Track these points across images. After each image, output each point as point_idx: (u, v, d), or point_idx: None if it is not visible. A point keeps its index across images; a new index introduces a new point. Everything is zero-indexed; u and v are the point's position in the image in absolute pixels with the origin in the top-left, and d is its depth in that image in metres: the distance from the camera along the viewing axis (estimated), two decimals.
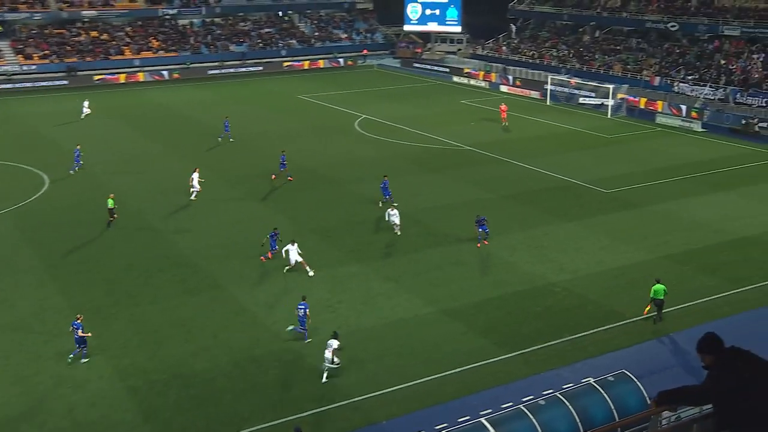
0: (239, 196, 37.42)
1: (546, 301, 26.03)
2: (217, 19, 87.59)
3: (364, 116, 57.42)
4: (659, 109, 57.88)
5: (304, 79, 77.71)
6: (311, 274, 27.76)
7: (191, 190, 36.30)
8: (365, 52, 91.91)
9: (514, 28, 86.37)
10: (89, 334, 22.37)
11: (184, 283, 27.30)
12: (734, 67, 59.84)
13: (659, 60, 66.37)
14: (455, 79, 77.09)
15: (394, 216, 31.75)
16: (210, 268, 28.56)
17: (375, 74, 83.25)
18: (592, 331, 23.82)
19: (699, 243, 31.08)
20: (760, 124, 51.68)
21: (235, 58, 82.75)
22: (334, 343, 21.32)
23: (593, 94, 61.31)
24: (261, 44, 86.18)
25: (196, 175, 36.51)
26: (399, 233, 31.67)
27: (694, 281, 27.36)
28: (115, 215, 32.96)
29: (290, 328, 23.47)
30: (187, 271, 28.27)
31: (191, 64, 79.39)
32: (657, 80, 62.74)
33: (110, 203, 32.82)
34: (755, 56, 59.92)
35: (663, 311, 24.39)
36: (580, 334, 23.62)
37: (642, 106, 59.30)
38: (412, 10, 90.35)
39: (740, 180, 40.11)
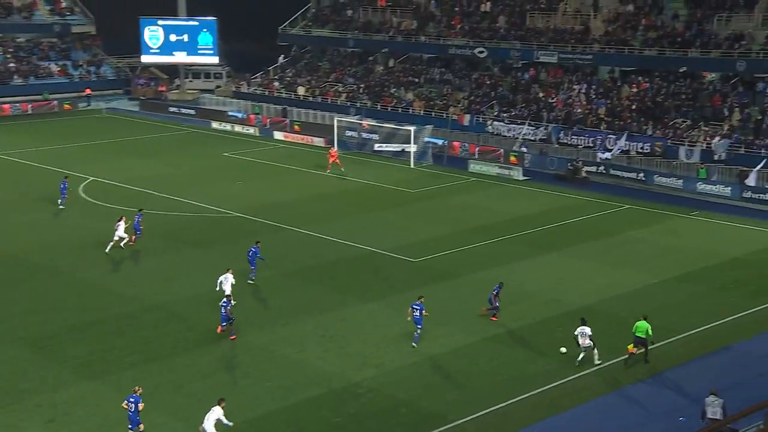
0: None
1: (347, 407, 26.44)
2: None
3: (92, 179, 55.98)
4: (473, 155, 62.34)
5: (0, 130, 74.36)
6: None
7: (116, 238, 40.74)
8: (88, 91, 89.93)
9: (285, 58, 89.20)
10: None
11: None
12: (554, 100, 66.29)
13: (468, 94, 71.78)
14: (215, 125, 77.80)
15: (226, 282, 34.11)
16: None
17: (104, 121, 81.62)
18: None
19: (529, 318, 33.41)
20: (588, 168, 57.41)
21: None
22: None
23: (390, 139, 64.57)
24: None
25: (121, 224, 41.04)
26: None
27: (529, 367, 29.27)
28: None
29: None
30: None
31: None
32: (467, 119, 67.67)
33: None
34: (576, 87, 66.85)
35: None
36: None
37: (454, 152, 63.45)
38: (152, 36, 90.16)
39: (571, 237, 43.90)
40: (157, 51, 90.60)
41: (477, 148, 63.30)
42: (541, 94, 67.71)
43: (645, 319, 29.47)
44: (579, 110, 64.02)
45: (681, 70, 62.19)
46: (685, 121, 58.91)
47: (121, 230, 40.89)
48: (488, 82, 72.71)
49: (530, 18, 74.23)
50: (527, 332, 31.89)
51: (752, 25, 61.58)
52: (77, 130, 75.13)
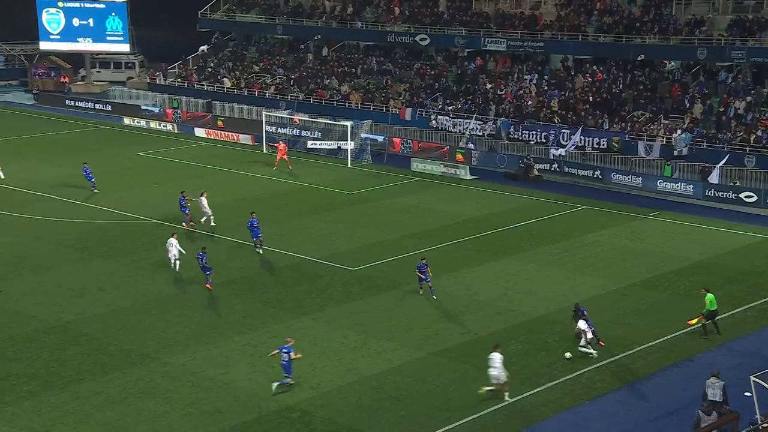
0: None
1: None
2: None
3: None
4: (417, 152, 62.59)
5: None
6: None
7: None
8: None
9: (206, 47, 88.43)
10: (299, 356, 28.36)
11: None
12: (503, 92, 66.85)
13: (409, 85, 72.01)
14: (127, 121, 76.96)
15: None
16: None
17: None
18: None
19: (481, 330, 33.56)
20: (540, 166, 57.98)
21: None
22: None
23: (323, 136, 64.56)
24: None
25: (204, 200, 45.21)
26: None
27: (479, 384, 29.35)
28: None
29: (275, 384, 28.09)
30: None
31: None
32: (409, 113, 67.89)
33: None
34: (527, 77, 67.53)
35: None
36: None
37: (395, 150, 63.61)
38: (51, 20, 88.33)
39: (524, 241, 44.27)
40: (58, 37, 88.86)
41: (420, 145, 63.54)
42: (489, 86, 68.23)
43: (709, 291, 32.54)
44: (530, 103, 64.67)
45: (639, 59, 63.22)
46: (644, 114, 59.88)
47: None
48: (431, 73, 73.06)
49: (476, 2, 74.79)
50: (478, 346, 32.00)
51: (712, 10, 62.88)
52: None
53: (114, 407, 27.74)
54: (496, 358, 28.22)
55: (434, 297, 36.38)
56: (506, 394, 28.21)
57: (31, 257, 39.98)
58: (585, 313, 31.72)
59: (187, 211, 45.89)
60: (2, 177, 54.96)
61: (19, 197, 51.93)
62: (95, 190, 52.72)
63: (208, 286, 37.39)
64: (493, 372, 28.13)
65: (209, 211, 45.84)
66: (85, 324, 34.05)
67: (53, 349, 31.79)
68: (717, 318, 32.91)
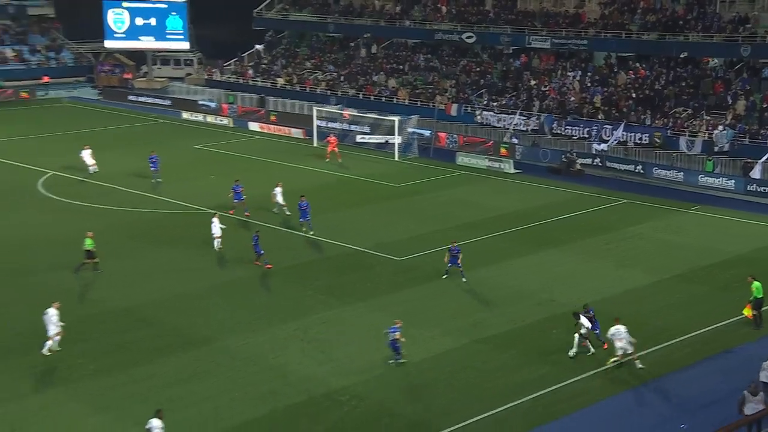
0: None
1: (330, 415, 26.46)
2: None
3: (53, 173, 55.79)
4: (462, 146, 62.52)
5: None
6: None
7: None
8: (47, 79, 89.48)
9: (261, 45, 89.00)
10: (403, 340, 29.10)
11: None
12: (547, 88, 66.47)
13: (455, 82, 71.90)
14: (185, 115, 77.69)
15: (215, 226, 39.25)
16: None
17: (65, 111, 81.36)
18: None
19: (523, 319, 33.50)
20: (582, 161, 57.61)
21: None
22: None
23: (371, 130, 64.72)
24: None
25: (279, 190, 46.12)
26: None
27: (522, 371, 29.37)
28: (95, 259, 37.59)
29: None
30: None
31: None
32: (454, 108, 67.79)
33: (88, 243, 37.64)
34: (570, 74, 67.07)
35: None
36: None
37: (440, 144, 63.60)
38: (116, 19, 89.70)
39: (567, 234, 44.04)
40: (122, 36, 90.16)
41: (465, 140, 63.46)
42: (533, 82, 67.91)
43: (756, 279, 32.46)
44: (573, 99, 64.24)
45: (682, 56, 62.49)
46: (686, 110, 59.22)
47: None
48: (477, 70, 72.87)
49: (521, 1, 74.41)
50: (520, 334, 31.99)
51: (757, 7, 61.95)
52: (35, 121, 74.84)
53: (174, 387, 28.10)
54: (622, 329, 28.91)
55: (464, 280, 36.62)
56: (637, 361, 29.11)
57: (100, 245, 40.48)
58: (592, 313, 30.62)
59: (242, 199, 46.25)
60: (96, 169, 55.14)
61: (89, 189, 52.61)
62: (159, 180, 53.26)
63: (268, 266, 38.41)
64: (619, 344, 28.86)
65: (282, 202, 46.21)
66: (148, 308, 34.50)
67: (118, 332, 32.27)
68: (762, 308, 32.48)
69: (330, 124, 67.54)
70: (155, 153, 54.13)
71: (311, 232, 43.30)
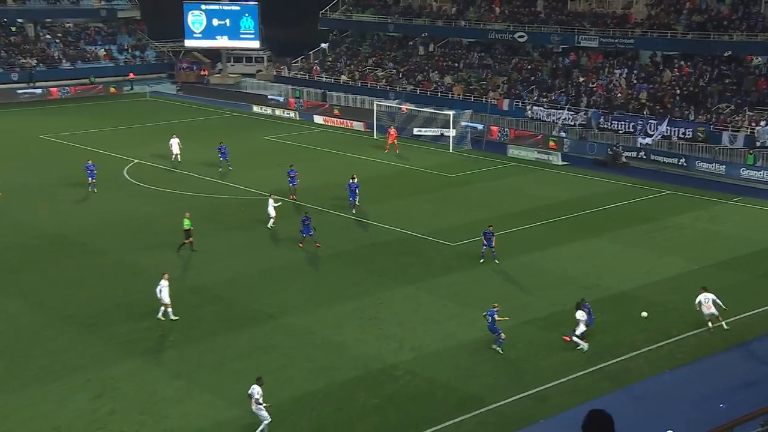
0: None
1: (385, 389, 26.54)
2: None
3: (136, 161, 56.66)
4: (513, 139, 62.02)
5: (48, 113, 76.11)
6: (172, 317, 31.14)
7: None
8: (132, 76, 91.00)
9: (326, 44, 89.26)
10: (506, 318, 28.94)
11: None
12: (595, 85, 65.55)
13: (507, 78, 71.28)
14: (255, 108, 78.19)
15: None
16: None
17: (148, 105, 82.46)
18: (444, 425, 24.55)
19: (568, 302, 33.15)
20: (628, 154, 56.75)
21: None
22: None
23: (428, 123, 64.47)
24: None
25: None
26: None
27: (567, 351, 29.09)
28: (191, 238, 38.42)
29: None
30: None
31: None
32: (506, 103, 67.23)
33: (186, 224, 38.32)
34: (617, 71, 66.04)
35: None
36: (430, 430, 24.26)
37: (492, 137, 63.19)
38: (195, 21, 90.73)
39: (611, 222, 43.50)
40: (200, 35, 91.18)
41: (515, 133, 62.95)
42: (581, 79, 67.03)
43: None
44: (620, 95, 63.27)
45: (726, 54, 61.13)
46: (729, 107, 57.92)
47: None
48: (528, 67, 72.18)
49: (571, 2, 73.46)
50: (566, 317, 31.64)
51: None
52: (121, 114, 76.04)
53: (243, 359, 28.47)
54: (710, 297, 30.00)
55: (496, 261, 37.01)
56: (723, 323, 30.10)
57: (174, 228, 40.91)
58: (588, 308, 29.74)
59: (294, 183, 46.70)
60: (179, 159, 55.45)
61: (166, 175, 53.36)
62: (230, 168, 53.68)
63: (317, 245, 38.83)
64: (707, 311, 29.98)
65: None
66: (219, 287, 34.89)
67: (192, 307, 32.68)
68: None
69: (387, 118, 67.55)
70: (224, 143, 54.56)
71: (353, 211, 44.21)
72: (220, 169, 53.84)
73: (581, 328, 28.99)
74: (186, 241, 38.64)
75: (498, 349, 28.70)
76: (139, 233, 41.56)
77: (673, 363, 28.21)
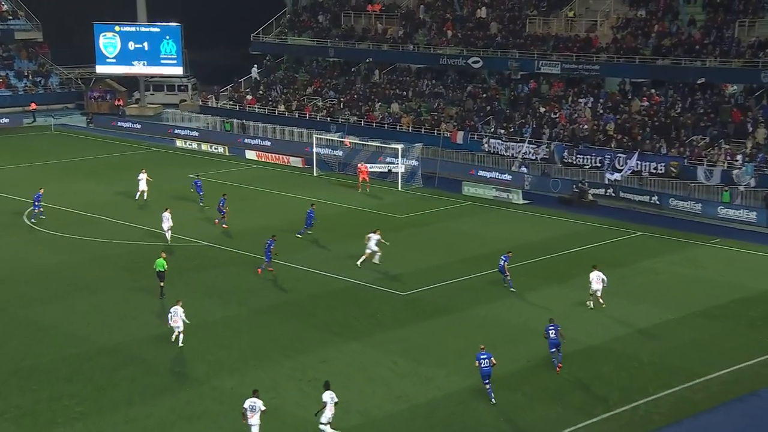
0: None
1: None
2: None
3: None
4: (468, 177, 62.31)
5: None
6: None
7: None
8: (33, 106, 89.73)
9: (257, 70, 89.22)
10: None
11: None
12: (557, 115, 66.37)
13: (461, 108, 71.84)
14: (179, 143, 77.56)
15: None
16: None
17: (53, 139, 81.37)
18: None
19: (532, 358, 33.13)
20: (595, 191, 57.36)
21: None
22: None
23: (373, 159, 64.58)
24: None
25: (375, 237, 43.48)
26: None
27: (529, 413, 28.93)
28: (162, 282, 39.15)
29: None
30: None
31: None
32: (460, 136, 67.68)
33: (161, 265, 39.17)
34: (582, 101, 66.97)
35: None
36: None
37: (444, 175, 63.42)
38: (107, 44, 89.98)
39: (579, 267, 43.45)
40: (114, 60, 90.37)
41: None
42: (542, 109, 67.80)
43: None
44: (585, 126, 64.09)
45: (699, 82, 62.35)
46: (704, 139, 59.01)
47: (372, 243, 42.85)
48: (484, 96, 72.83)
49: (530, 24, 74.53)
50: (529, 375, 31.58)
51: None
52: (20, 150, 74.87)
53: (164, 430, 27.76)
54: (600, 275, 37.37)
55: (512, 290, 39.92)
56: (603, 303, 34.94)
57: (84, 278, 40.20)
58: (557, 329, 31.81)
59: (223, 213, 49.68)
60: (146, 198, 55.84)
61: (72, 218, 52.45)
62: (201, 204, 55.18)
63: (259, 270, 41.55)
64: (595, 286, 37.30)
65: (375, 248, 43.17)
66: (136, 346, 34.20)
67: (105, 371, 31.95)
68: None
69: (330, 152, 67.53)
70: (199, 177, 57.36)
71: (298, 236, 47.52)
72: (201, 204, 54.62)
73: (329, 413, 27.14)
74: (161, 284, 39.27)
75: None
76: (40, 287, 40.58)
77: (651, 425, 28.19)
